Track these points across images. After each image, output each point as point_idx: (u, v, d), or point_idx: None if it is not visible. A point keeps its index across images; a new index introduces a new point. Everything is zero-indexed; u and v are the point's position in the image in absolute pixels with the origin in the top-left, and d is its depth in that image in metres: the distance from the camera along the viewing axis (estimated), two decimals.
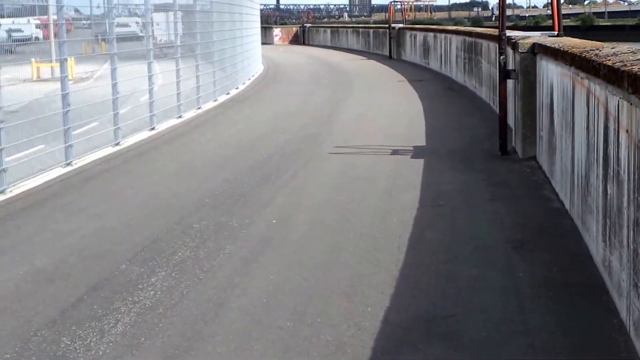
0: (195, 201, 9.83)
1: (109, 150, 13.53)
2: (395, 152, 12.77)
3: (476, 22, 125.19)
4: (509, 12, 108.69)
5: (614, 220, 5.86)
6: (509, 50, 12.79)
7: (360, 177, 11.04)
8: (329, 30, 66.38)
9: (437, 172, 11.27)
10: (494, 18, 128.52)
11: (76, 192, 10.74)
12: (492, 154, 12.44)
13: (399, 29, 41.71)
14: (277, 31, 74.97)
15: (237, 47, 26.23)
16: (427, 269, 6.98)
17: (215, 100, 21.63)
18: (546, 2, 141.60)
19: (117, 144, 13.91)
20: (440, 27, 35.67)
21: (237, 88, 25.39)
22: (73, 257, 7.66)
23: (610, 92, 5.89)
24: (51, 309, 6.25)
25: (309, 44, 66.73)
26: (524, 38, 12.28)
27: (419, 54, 36.03)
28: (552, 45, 9.74)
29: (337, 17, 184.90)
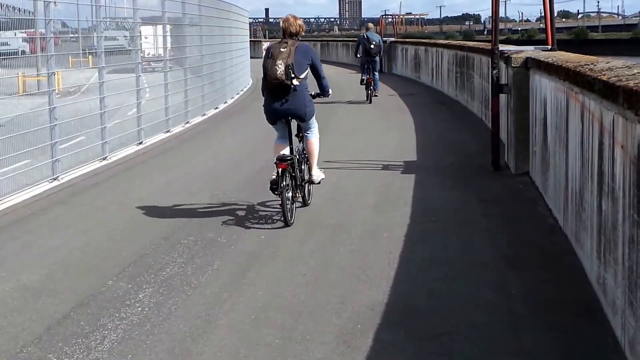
0: (183, 216, 9.75)
1: (96, 164, 13.45)
2: (385, 167, 12.71)
3: (468, 35, 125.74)
4: (501, 25, 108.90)
5: (608, 237, 5.78)
6: (502, 65, 12.75)
7: (350, 192, 10.96)
8: (318, 44, 66.54)
9: (429, 187, 11.20)
10: (485, 32, 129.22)
11: (63, 207, 10.63)
12: (484, 169, 12.38)
13: (390, 42, 41.68)
14: (266, 45, 75.03)
15: (226, 61, 26.17)
16: (419, 286, 6.90)
17: (204, 115, 21.57)
18: (539, 15, 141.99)
19: (105, 159, 13.83)
20: (432, 41, 35.76)
21: (225, 102, 25.35)
22: (59, 272, 7.56)
23: (606, 107, 5.83)
24: (37, 325, 6.14)
25: None
26: (517, 52, 12.27)
27: (410, 67, 36.10)
28: (546, 60, 9.69)
29: (327, 30, 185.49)
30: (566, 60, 8.62)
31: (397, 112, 21.88)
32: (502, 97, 12.69)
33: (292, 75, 9.05)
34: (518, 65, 11.63)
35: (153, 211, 10.13)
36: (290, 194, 9.24)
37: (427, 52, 31.70)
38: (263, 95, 9.69)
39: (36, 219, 9.94)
